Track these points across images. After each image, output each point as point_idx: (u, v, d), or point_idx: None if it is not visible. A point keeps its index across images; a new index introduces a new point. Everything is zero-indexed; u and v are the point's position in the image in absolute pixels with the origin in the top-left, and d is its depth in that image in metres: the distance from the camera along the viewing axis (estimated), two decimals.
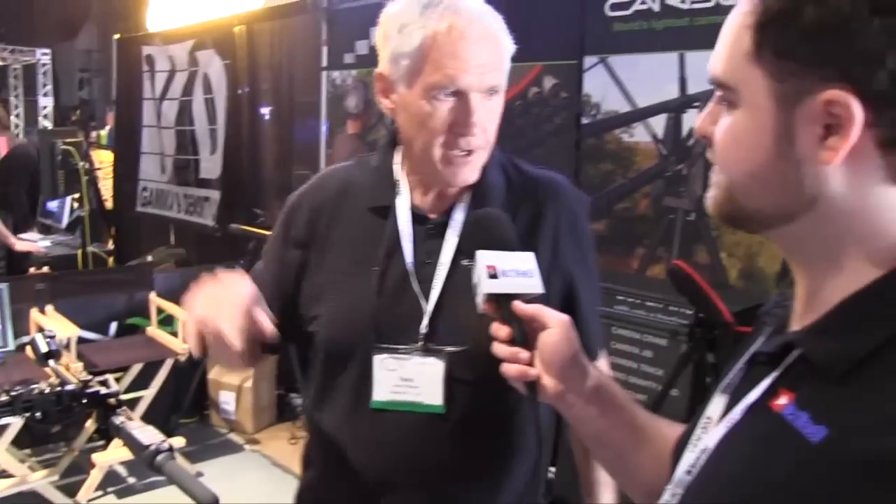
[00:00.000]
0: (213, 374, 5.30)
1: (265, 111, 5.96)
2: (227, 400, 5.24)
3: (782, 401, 0.80)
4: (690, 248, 3.21)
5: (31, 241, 7.08)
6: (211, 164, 6.26)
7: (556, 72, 3.61)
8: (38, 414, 1.44)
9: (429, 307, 1.52)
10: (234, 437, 5.22)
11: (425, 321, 1.52)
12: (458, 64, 1.42)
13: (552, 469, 3.86)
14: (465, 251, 1.49)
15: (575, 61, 3.54)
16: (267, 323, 1.35)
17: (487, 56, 1.44)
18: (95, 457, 4.24)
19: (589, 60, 3.50)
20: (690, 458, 0.92)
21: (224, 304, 1.33)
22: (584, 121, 3.56)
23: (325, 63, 5.06)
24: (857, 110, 0.73)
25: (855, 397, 0.74)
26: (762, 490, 0.78)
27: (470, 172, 1.51)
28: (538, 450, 1.64)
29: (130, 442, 1.36)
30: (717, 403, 0.93)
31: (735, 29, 0.82)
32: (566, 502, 3.78)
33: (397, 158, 1.62)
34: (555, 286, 1.54)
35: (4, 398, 1.43)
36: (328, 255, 1.60)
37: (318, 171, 1.75)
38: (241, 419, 5.22)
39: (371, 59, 4.71)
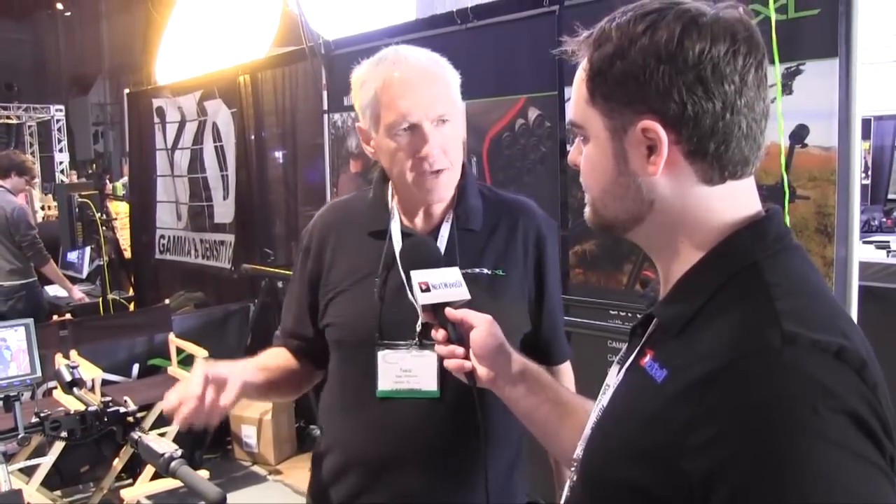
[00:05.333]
0: (234, 409, 5.44)
1: (273, 155, 6.15)
2: (248, 433, 5.43)
3: (647, 358, 1.04)
4: None
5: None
6: (224, 209, 6.48)
7: (539, 103, 3.75)
8: (64, 433, 1.63)
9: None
10: (257, 468, 5.39)
11: (419, 322, 1.73)
12: (406, 103, 1.66)
13: None
14: (403, 265, 1.70)
15: (555, 92, 3.70)
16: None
17: (432, 93, 1.69)
18: (124, 492, 4.42)
19: (568, 91, 3.63)
20: (593, 417, 1.15)
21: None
22: (569, 147, 3.71)
23: (325, 107, 5.22)
24: (663, 133, 0.97)
25: (684, 345, 0.97)
26: (627, 425, 1.00)
27: (444, 189, 1.75)
28: (519, 442, 1.86)
29: (147, 452, 1.56)
30: (612, 373, 1.16)
31: (578, 83, 1.06)
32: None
33: (390, 190, 1.86)
34: (526, 290, 1.83)
35: (35, 420, 1.62)
36: (334, 270, 1.84)
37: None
38: (263, 451, 5.40)
39: None
